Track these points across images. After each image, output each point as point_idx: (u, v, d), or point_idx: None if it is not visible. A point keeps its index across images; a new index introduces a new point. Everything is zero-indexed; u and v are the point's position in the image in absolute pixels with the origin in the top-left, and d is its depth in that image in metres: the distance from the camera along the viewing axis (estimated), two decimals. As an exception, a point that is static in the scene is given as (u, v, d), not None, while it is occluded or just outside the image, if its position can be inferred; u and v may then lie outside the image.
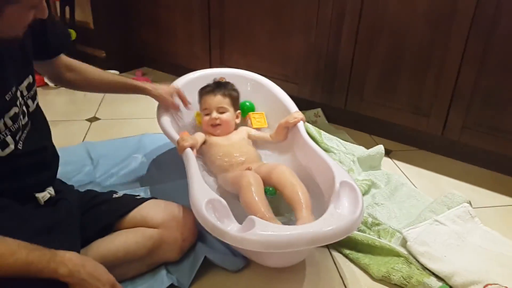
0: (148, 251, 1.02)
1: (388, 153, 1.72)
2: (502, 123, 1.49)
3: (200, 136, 1.37)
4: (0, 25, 0.75)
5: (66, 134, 1.76)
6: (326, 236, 0.92)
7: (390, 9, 1.59)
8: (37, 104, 0.99)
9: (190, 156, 1.17)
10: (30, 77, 0.95)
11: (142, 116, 1.95)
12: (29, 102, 0.95)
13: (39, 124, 0.98)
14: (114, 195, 1.12)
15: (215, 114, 1.39)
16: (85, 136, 1.76)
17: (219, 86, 1.44)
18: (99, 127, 1.86)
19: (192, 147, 1.21)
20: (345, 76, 1.78)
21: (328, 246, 1.18)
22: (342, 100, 1.83)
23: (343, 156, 1.55)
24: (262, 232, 0.90)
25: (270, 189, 1.21)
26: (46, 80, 2.18)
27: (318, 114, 1.94)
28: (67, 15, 2.43)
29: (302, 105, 1.67)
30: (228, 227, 0.93)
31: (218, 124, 1.40)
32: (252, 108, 1.57)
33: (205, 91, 1.44)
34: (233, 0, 1.99)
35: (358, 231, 1.20)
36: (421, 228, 1.17)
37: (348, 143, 1.63)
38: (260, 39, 1.98)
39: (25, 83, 0.93)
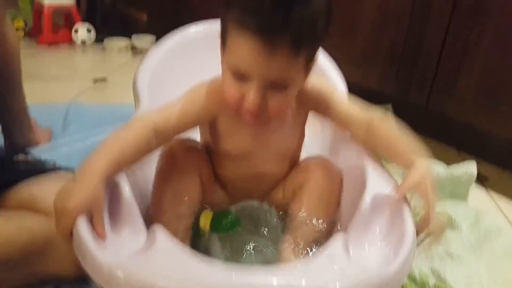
0: (21, 254, 0.59)
1: (482, 180, 1.11)
2: None
3: None
4: None
5: (60, 92, 1.44)
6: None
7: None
8: None
9: None
10: None
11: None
12: None
13: None
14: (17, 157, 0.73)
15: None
16: (75, 97, 1.40)
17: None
18: (101, 89, 1.51)
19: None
20: (432, 61, 1.23)
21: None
22: (424, 94, 1.28)
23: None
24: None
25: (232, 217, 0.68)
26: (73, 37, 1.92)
27: (387, 111, 1.39)
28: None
29: (367, 97, 1.16)
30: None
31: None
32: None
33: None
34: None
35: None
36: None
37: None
38: None
39: None
